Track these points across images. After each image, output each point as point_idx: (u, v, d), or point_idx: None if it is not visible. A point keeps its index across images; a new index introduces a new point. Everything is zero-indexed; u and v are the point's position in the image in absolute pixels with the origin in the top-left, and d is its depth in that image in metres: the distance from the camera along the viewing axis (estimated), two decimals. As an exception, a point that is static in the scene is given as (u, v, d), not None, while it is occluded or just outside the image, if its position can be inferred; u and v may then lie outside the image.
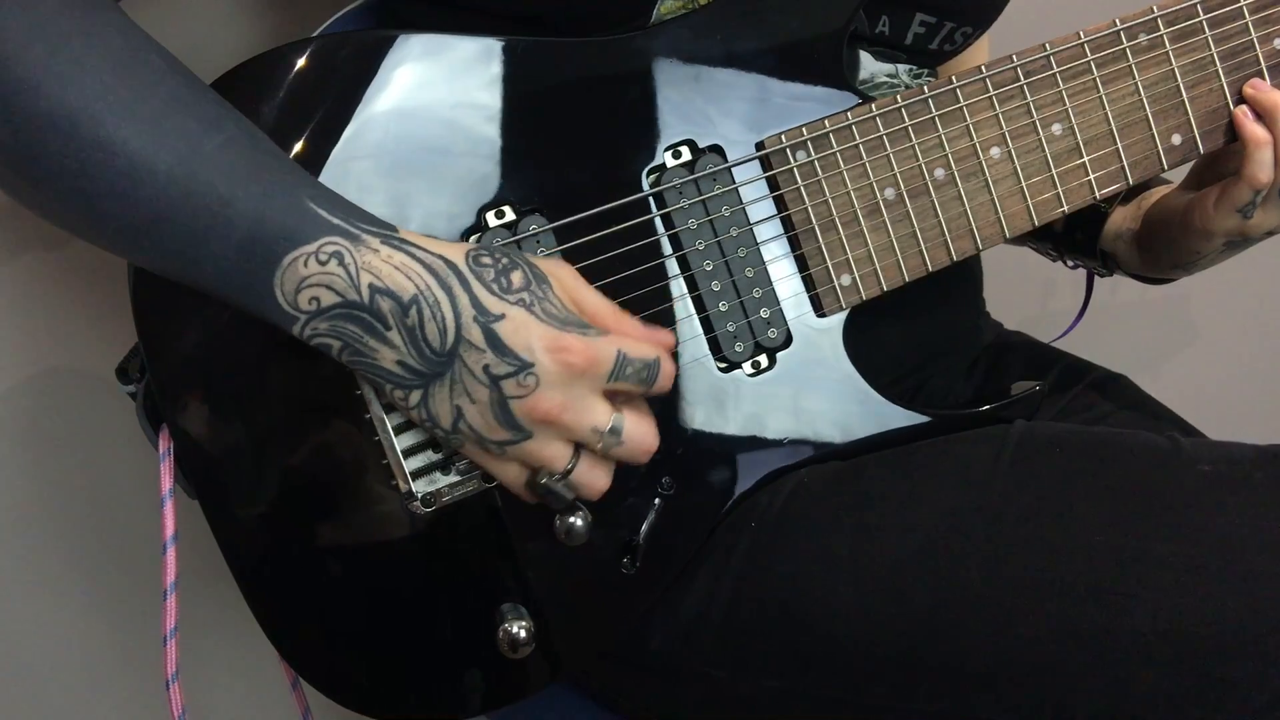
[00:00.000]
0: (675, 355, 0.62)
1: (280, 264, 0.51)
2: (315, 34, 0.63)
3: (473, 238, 0.60)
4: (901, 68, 0.72)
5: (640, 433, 0.56)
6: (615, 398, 0.56)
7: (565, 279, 0.56)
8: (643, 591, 0.64)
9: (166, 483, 0.60)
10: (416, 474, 0.59)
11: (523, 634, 0.61)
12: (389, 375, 0.53)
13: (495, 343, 0.52)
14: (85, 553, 0.85)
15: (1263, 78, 0.68)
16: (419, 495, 0.59)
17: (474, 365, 0.52)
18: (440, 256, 0.53)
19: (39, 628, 0.84)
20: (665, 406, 0.62)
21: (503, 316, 0.52)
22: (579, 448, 0.55)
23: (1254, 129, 0.67)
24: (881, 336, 0.72)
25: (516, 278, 0.53)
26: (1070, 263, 0.87)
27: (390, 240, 0.52)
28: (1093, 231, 0.81)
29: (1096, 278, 0.87)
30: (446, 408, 0.53)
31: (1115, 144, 0.67)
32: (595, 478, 0.56)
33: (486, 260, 0.53)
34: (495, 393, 0.52)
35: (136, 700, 0.89)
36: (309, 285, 0.51)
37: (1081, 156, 0.67)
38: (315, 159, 0.58)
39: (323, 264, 0.51)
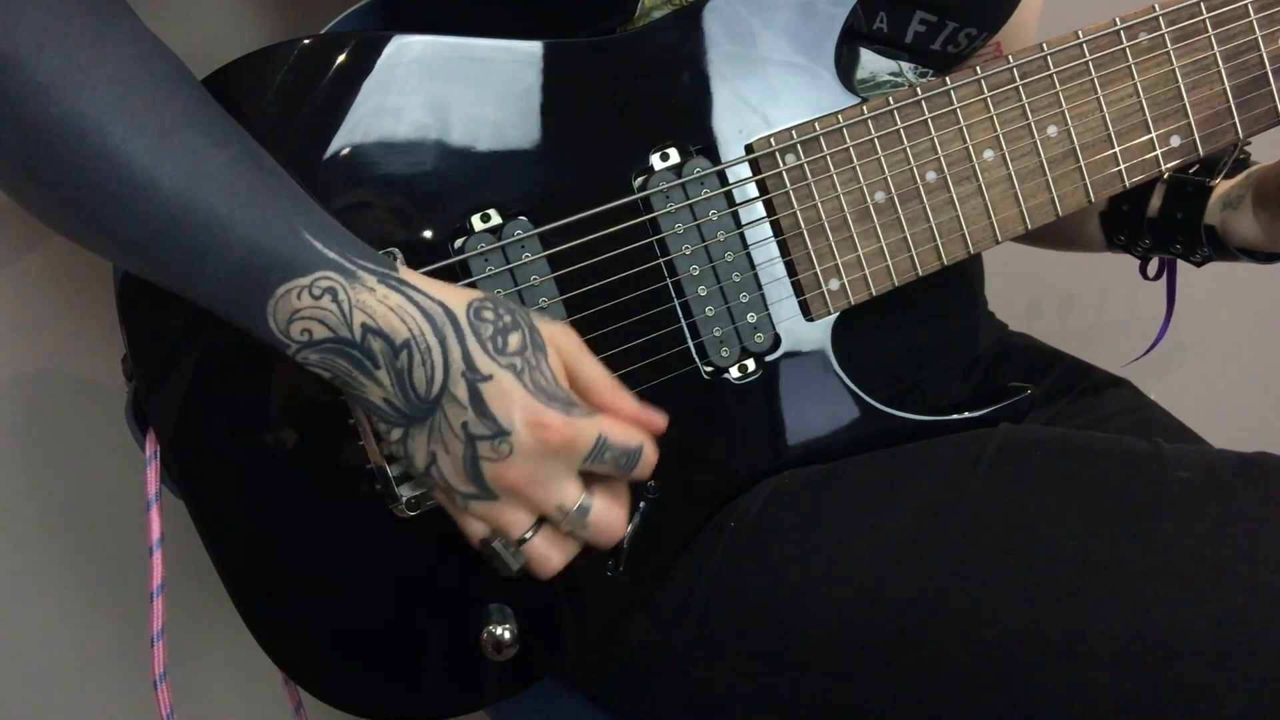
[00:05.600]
0: (662, 379, 0.63)
1: (274, 293, 0.50)
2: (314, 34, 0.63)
3: (458, 241, 0.60)
4: (905, 65, 0.70)
5: (608, 519, 0.54)
6: (593, 477, 0.55)
7: (568, 348, 0.55)
8: (626, 593, 0.64)
9: (153, 486, 0.60)
10: (401, 478, 0.59)
11: (507, 636, 0.61)
12: (374, 408, 0.53)
13: (478, 402, 0.51)
14: (74, 554, 0.86)
15: (1266, 80, 0.66)
16: (404, 499, 0.59)
17: (454, 419, 0.51)
18: (440, 303, 0.52)
19: (28, 629, 0.84)
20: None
21: (490, 378, 0.51)
22: (541, 521, 0.54)
23: None
24: (874, 339, 0.71)
25: (514, 340, 0.52)
26: (1151, 272, 0.83)
27: (388, 280, 0.52)
28: (1195, 209, 0.77)
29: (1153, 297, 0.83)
30: (423, 451, 0.53)
31: (1112, 146, 0.66)
32: (549, 555, 0.54)
33: (488, 315, 0.52)
34: (469, 449, 0.52)
35: (127, 700, 0.90)
36: (301, 318, 0.51)
37: (1077, 159, 0.65)
38: (303, 158, 0.58)
39: (316, 298, 0.50)
